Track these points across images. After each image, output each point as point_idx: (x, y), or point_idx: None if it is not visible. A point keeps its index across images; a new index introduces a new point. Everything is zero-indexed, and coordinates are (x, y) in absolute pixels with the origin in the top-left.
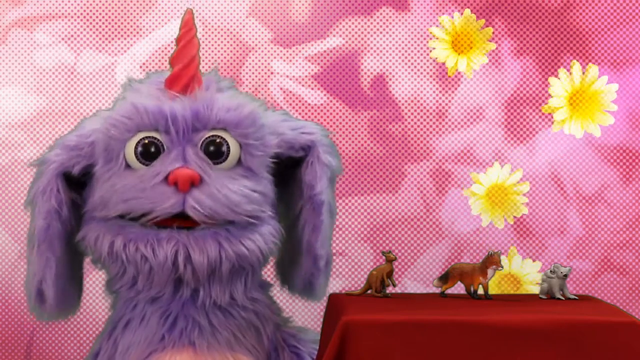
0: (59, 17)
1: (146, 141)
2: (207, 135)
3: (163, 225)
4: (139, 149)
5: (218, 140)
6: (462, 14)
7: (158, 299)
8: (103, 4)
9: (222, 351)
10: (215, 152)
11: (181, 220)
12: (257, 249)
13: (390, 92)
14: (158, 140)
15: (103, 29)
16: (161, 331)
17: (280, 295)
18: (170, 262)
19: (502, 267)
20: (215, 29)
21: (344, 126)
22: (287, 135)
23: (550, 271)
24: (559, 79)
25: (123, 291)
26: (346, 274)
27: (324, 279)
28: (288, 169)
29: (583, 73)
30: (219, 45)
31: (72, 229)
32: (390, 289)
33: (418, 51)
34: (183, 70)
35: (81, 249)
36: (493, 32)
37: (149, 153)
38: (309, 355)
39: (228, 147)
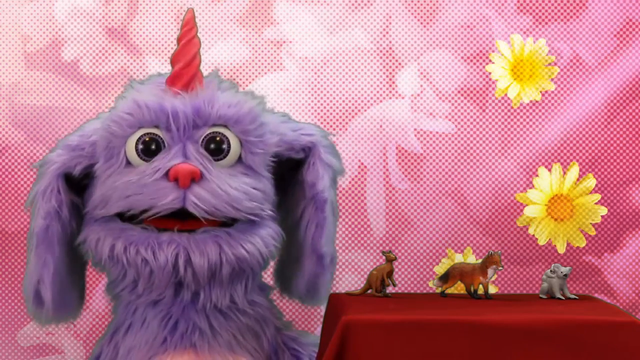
0: (59, 17)
1: (147, 138)
2: (207, 132)
3: (164, 228)
4: (140, 145)
5: (219, 137)
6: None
7: (159, 303)
8: (103, 4)
9: (223, 353)
10: (216, 149)
11: (181, 223)
12: (257, 252)
13: (390, 92)
14: (159, 136)
15: (103, 29)
16: (162, 334)
17: (280, 299)
18: (170, 265)
19: (502, 267)
20: (215, 29)
21: (343, 126)
22: (288, 136)
23: (551, 271)
24: None
25: (124, 295)
26: (346, 274)
27: (328, 278)
28: (288, 172)
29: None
30: (218, 45)
31: (72, 232)
32: (390, 289)
33: (418, 51)
34: (184, 69)
35: (82, 254)
36: None
37: (149, 150)
38: (309, 358)
39: (229, 144)
